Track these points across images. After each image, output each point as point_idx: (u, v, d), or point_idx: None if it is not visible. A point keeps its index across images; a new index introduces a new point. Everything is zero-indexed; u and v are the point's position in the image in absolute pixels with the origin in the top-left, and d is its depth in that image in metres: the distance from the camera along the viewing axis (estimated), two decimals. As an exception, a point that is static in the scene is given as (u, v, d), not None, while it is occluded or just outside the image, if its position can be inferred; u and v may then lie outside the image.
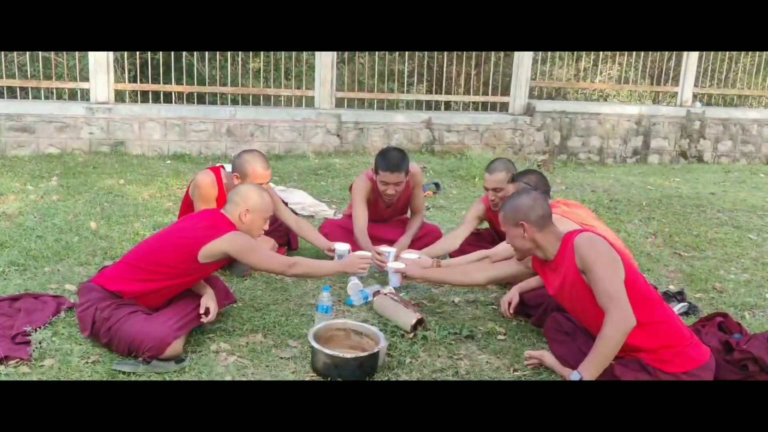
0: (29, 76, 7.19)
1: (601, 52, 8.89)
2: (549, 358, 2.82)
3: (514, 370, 2.86)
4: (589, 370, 2.49)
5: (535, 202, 2.75)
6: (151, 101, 7.04)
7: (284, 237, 4.08)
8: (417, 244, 4.08)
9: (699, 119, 8.42)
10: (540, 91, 8.47)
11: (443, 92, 8.07)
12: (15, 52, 6.79)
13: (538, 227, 2.72)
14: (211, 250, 2.83)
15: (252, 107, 7.22)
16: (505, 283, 3.72)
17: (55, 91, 6.89)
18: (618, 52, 8.66)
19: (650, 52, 8.68)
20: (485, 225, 4.16)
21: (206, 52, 7.84)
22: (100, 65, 6.68)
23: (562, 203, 3.55)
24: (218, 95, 7.31)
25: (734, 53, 8.88)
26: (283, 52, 7.63)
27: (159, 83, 6.99)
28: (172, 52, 6.95)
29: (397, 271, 3.45)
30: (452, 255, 3.89)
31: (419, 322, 3.12)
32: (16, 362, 2.63)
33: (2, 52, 6.57)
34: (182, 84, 7.17)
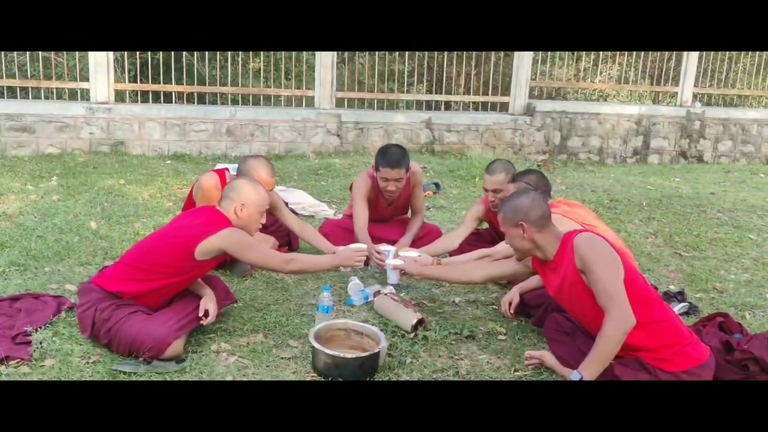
0: (29, 76, 7.19)
1: (601, 52, 8.90)
2: (549, 358, 2.82)
3: (515, 370, 2.86)
4: (589, 369, 2.49)
5: (534, 202, 2.75)
6: (151, 101, 7.04)
7: (285, 237, 4.09)
8: (417, 244, 4.08)
9: (699, 119, 8.42)
10: (540, 91, 8.47)
11: (443, 92, 8.08)
12: (15, 52, 6.80)
13: (537, 227, 2.72)
14: (207, 246, 2.83)
15: (252, 107, 7.22)
16: (506, 283, 3.73)
17: (55, 91, 6.90)
18: (618, 52, 8.67)
19: (650, 52, 8.68)
20: (485, 225, 4.16)
21: (206, 52, 7.84)
22: (100, 65, 6.68)
23: (563, 203, 3.55)
24: (218, 95, 7.32)
25: (734, 53, 8.89)
26: (283, 52, 7.64)
27: (159, 83, 6.99)
28: (172, 52, 6.95)
29: (396, 268, 3.45)
30: (452, 254, 3.89)
31: (420, 322, 3.12)
32: (17, 362, 2.63)
33: (2, 52, 6.57)
34: (182, 84, 7.17)
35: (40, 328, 2.88)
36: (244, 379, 2.66)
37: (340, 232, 4.11)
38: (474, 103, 8.02)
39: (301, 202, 5.22)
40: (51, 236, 4.08)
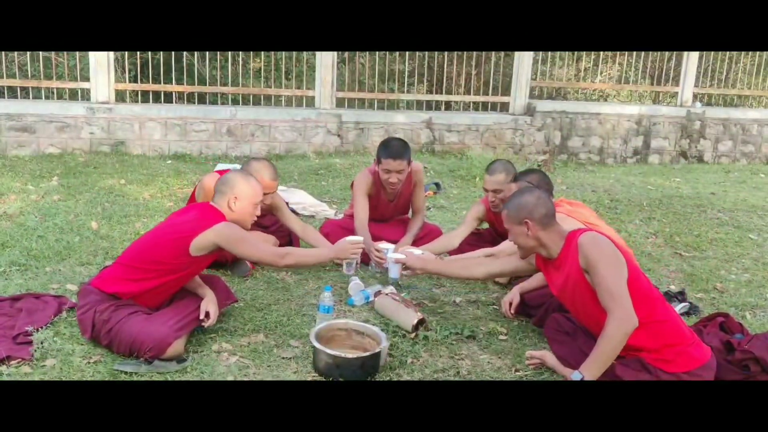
0: (30, 76, 7.19)
1: (601, 52, 8.90)
2: (550, 358, 2.82)
3: (516, 371, 2.86)
4: (590, 369, 2.49)
5: (539, 200, 2.74)
6: (151, 101, 7.05)
7: (287, 237, 4.08)
8: (418, 244, 4.07)
9: (699, 119, 8.42)
10: (540, 91, 8.47)
11: (443, 92, 8.08)
12: (15, 52, 6.80)
13: (542, 225, 2.71)
14: (202, 242, 2.82)
15: (252, 107, 7.22)
16: (506, 283, 3.73)
17: (55, 91, 6.90)
18: (618, 52, 8.67)
19: (650, 52, 8.69)
20: (485, 225, 4.16)
21: (206, 52, 7.84)
22: (101, 65, 6.68)
23: (566, 202, 3.55)
24: (218, 95, 7.32)
25: (734, 53, 8.89)
26: (283, 52, 7.64)
27: (159, 83, 7.00)
28: (173, 52, 6.96)
29: (398, 261, 3.44)
30: (451, 254, 3.89)
31: (420, 322, 3.12)
32: (18, 362, 2.63)
33: (2, 52, 6.58)
34: (182, 84, 7.18)
35: (41, 328, 2.88)
36: (245, 379, 2.66)
37: (340, 232, 4.10)
38: (474, 103, 8.02)
39: (302, 202, 5.22)
40: (52, 236, 4.08)
